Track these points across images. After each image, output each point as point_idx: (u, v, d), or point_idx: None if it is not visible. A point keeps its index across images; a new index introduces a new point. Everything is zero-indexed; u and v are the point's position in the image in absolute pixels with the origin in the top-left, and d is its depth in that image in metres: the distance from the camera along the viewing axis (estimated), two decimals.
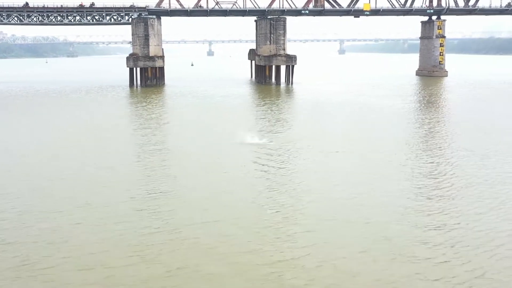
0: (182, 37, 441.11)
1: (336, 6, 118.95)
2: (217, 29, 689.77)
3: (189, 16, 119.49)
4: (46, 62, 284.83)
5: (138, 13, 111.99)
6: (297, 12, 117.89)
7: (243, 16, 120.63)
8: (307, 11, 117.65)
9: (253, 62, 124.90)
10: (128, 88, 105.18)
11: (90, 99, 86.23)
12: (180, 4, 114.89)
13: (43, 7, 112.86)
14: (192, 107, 73.80)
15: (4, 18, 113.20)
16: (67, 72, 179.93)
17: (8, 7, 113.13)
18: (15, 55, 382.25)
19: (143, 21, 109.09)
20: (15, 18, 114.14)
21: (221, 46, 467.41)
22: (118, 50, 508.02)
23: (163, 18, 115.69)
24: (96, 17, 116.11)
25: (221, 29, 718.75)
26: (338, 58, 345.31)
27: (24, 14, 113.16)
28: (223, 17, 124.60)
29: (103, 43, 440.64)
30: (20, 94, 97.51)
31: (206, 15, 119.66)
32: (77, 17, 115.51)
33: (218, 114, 66.41)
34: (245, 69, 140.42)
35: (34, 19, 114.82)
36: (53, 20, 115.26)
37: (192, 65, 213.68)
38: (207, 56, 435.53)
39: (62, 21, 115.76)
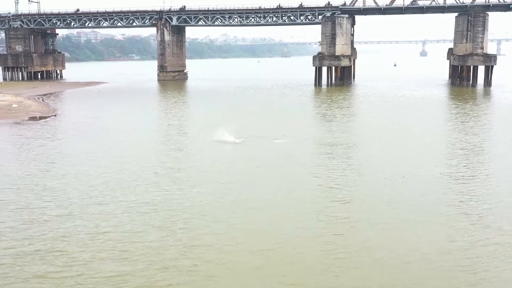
0: (395, 37, 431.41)
1: None
2: (433, 28, 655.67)
3: (383, 14, 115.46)
4: (258, 62, 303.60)
5: (331, 12, 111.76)
6: (505, 8, 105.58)
7: (442, 13, 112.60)
8: None
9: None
10: (313, 87, 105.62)
11: (266, 100, 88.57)
12: (375, 2, 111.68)
13: (243, 9, 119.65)
14: (375, 111, 67.63)
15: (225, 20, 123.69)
16: (269, 70, 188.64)
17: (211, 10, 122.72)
18: (235, 55, 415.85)
19: (331, 20, 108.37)
20: (218, 20, 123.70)
21: (436, 46, 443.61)
22: None
23: (363, 17, 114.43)
24: (291, 17, 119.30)
25: (437, 28, 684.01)
26: None
27: (226, 16, 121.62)
28: (438, 14, 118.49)
29: (315, 43, 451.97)
30: (230, 91, 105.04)
31: (402, 13, 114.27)
32: (274, 18, 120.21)
33: (403, 118, 59.61)
34: (445, 70, 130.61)
35: (236, 20, 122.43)
36: (252, 21, 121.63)
37: (395, 65, 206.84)
38: (419, 56, 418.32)
39: (259, 22, 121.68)
